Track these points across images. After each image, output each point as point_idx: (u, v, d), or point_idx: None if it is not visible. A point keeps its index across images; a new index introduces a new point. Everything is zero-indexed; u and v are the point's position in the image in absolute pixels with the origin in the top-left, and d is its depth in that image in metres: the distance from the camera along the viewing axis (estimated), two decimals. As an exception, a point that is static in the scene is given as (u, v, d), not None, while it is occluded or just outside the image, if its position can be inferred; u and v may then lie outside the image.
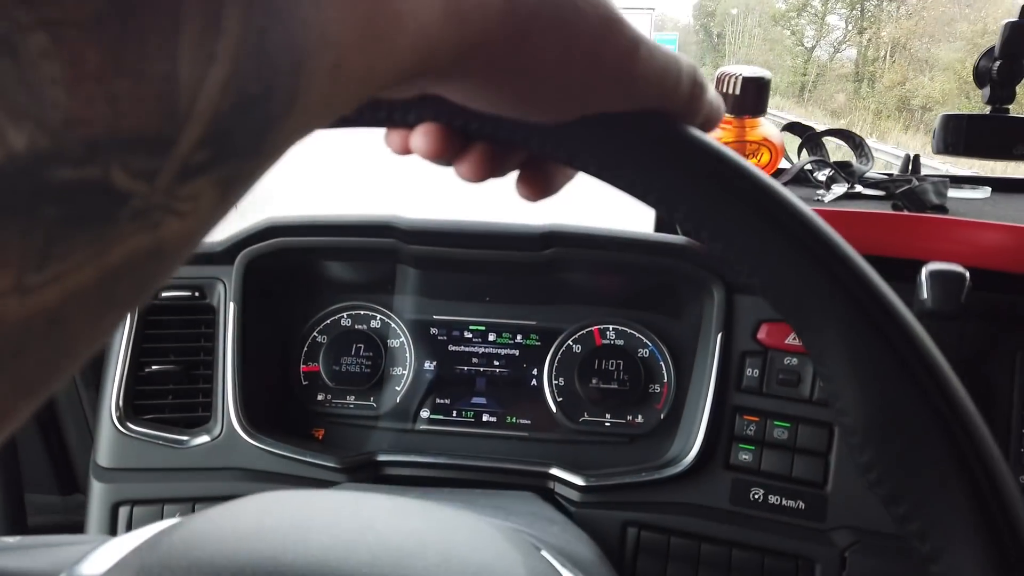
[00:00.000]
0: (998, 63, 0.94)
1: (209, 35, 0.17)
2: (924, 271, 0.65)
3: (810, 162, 0.91)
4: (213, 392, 0.84)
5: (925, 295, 0.64)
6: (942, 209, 0.77)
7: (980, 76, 0.96)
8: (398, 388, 0.91)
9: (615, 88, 0.29)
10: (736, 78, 0.86)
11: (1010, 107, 0.95)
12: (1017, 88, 0.97)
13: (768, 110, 0.92)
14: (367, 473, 0.81)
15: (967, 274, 0.64)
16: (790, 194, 0.29)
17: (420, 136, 0.32)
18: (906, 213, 0.74)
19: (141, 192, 0.16)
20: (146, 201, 0.16)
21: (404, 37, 0.23)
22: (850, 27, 35.43)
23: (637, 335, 0.90)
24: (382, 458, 0.82)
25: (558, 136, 0.30)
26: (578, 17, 0.28)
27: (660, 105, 0.30)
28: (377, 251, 0.87)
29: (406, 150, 0.33)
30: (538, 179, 0.34)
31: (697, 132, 0.30)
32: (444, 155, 0.32)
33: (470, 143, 0.32)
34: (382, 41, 0.22)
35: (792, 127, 1.01)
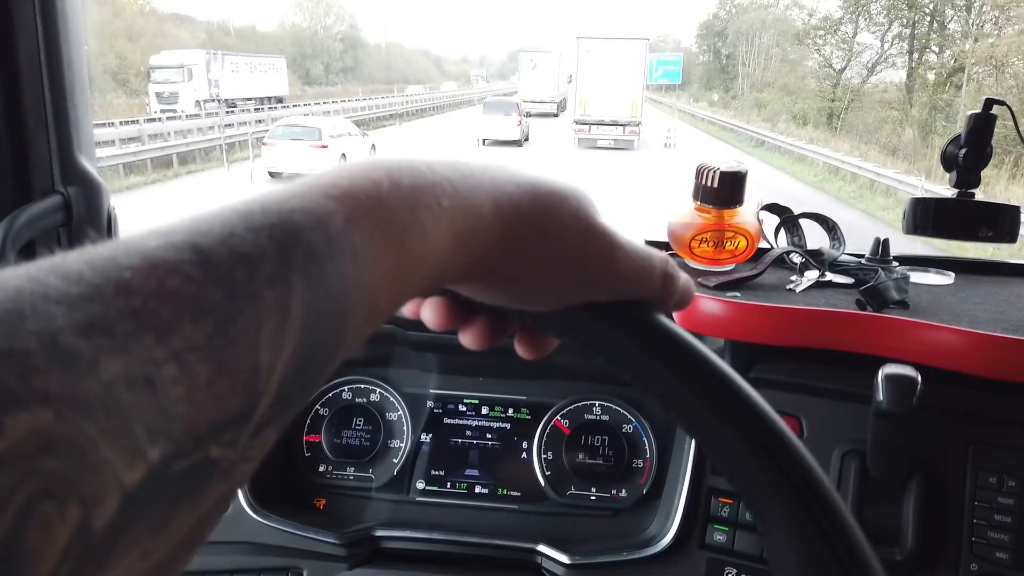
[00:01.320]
0: (964, 150, 1.00)
1: (282, 323, 0.23)
2: (880, 374, 0.71)
3: (786, 251, 0.97)
4: None
5: (881, 396, 0.70)
6: (903, 304, 0.82)
7: (947, 161, 1.02)
8: (395, 460, 0.96)
9: (597, 286, 0.35)
10: (715, 172, 0.92)
11: (975, 191, 1.01)
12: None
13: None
14: (366, 547, 0.86)
15: (919, 378, 0.69)
16: (751, 390, 0.34)
17: (429, 309, 0.38)
18: (868, 313, 0.79)
19: (228, 456, 0.21)
20: (230, 461, 0.22)
21: (421, 272, 0.29)
22: (888, 46, 31.70)
23: (621, 411, 0.95)
24: (380, 533, 0.87)
25: (548, 318, 0.36)
26: (563, 232, 0.34)
27: (637, 295, 0.36)
28: (379, 335, 0.93)
29: (416, 316, 0.39)
30: (534, 342, 0.40)
31: (665, 323, 0.36)
32: (450, 325, 0.38)
33: (473, 314, 0.38)
34: (405, 280, 0.29)
35: (771, 208, 1.07)
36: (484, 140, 21.06)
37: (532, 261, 0.33)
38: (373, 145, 15.39)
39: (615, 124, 21.09)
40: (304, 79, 57.23)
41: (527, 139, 21.91)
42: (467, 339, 0.38)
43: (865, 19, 32.50)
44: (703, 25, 57.21)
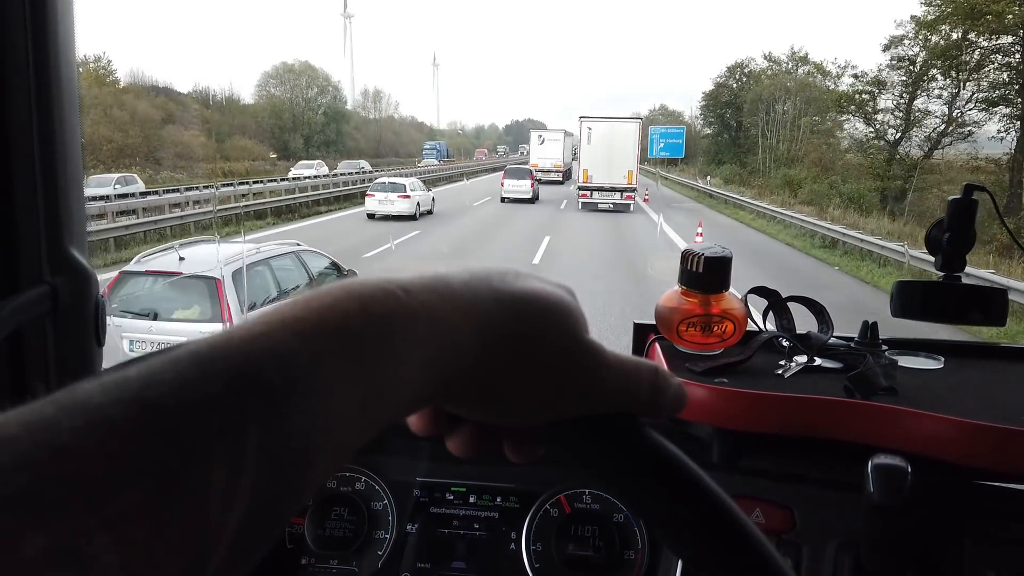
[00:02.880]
0: (947, 235, 1.01)
1: (234, 476, 0.22)
2: (869, 464, 0.69)
3: (774, 336, 0.97)
4: None
5: (871, 488, 0.68)
6: (892, 391, 0.81)
7: (932, 245, 1.03)
8: (380, 552, 0.93)
9: (582, 403, 0.34)
10: (699, 257, 0.93)
11: (961, 275, 1.02)
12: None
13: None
14: None
15: (909, 469, 0.68)
16: (739, 512, 0.33)
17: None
18: (857, 400, 0.78)
19: None
20: None
21: (393, 403, 0.28)
22: (961, 111, 25.06)
23: (612, 500, 0.93)
24: None
25: (535, 429, 0.35)
26: (546, 352, 0.33)
27: (626, 407, 0.36)
28: None
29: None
30: (522, 448, 0.38)
31: (649, 437, 0.35)
32: (435, 431, 0.37)
33: (459, 421, 0.37)
34: (375, 413, 0.28)
35: (759, 291, 1.07)
36: (504, 198, 27.22)
37: (513, 381, 0.32)
38: (433, 198, 22.68)
39: (613, 190, 24.84)
40: (281, 152, 53.56)
41: (537, 198, 27.79)
42: (453, 446, 0.37)
43: (940, 73, 25.43)
44: (709, 95, 51.72)
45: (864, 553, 0.71)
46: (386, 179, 22.06)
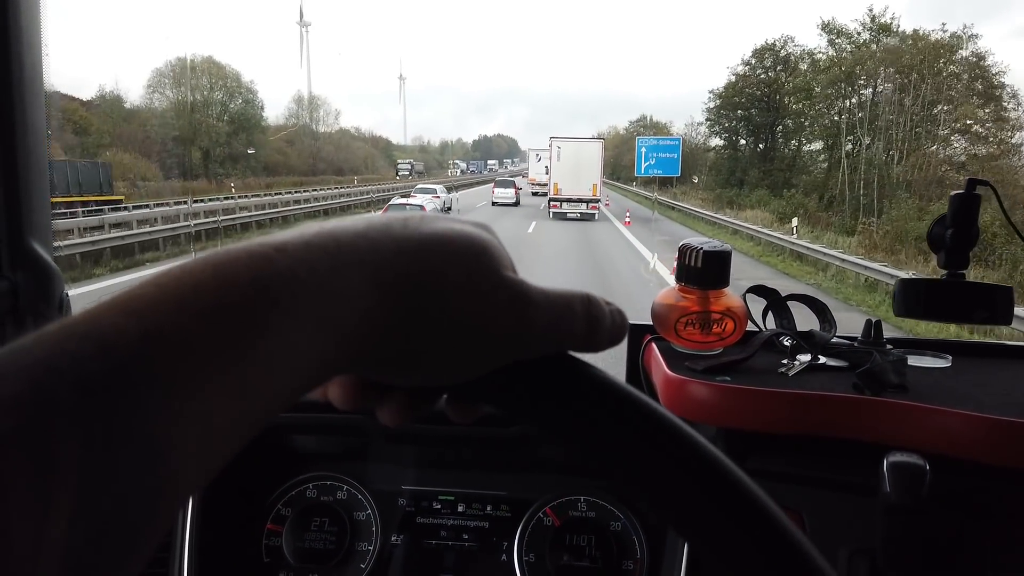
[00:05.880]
0: (950, 231, 0.97)
1: (41, 493, 0.18)
2: (885, 463, 0.65)
3: (776, 334, 0.93)
4: None
5: (887, 488, 0.64)
6: (901, 388, 0.77)
7: (934, 242, 1.00)
8: (363, 565, 0.88)
9: (511, 347, 0.30)
10: (698, 252, 0.89)
11: (965, 272, 0.98)
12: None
13: None
14: None
15: (927, 466, 0.64)
16: (704, 441, 0.29)
17: (334, 387, 0.32)
18: (866, 396, 0.74)
19: None
20: None
21: (280, 382, 0.24)
22: None
23: (609, 507, 0.89)
24: None
25: (467, 388, 0.31)
26: (460, 295, 0.29)
27: (561, 346, 0.32)
28: (347, 427, 0.87)
29: (324, 397, 0.33)
30: (463, 407, 0.34)
31: (588, 373, 0.31)
32: (361, 404, 0.33)
33: (388, 388, 0.33)
34: (256, 397, 0.24)
35: (758, 290, 1.03)
36: (494, 203, 33.72)
37: (427, 336, 0.29)
38: (456, 198, 29.40)
39: (580, 200, 28.12)
40: (167, 172, 38.45)
41: (519, 203, 34.55)
42: (384, 417, 0.33)
43: None
44: (726, 90, 37.29)
45: (880, 559, 0.67)
46: (422, 185, 32.07)
